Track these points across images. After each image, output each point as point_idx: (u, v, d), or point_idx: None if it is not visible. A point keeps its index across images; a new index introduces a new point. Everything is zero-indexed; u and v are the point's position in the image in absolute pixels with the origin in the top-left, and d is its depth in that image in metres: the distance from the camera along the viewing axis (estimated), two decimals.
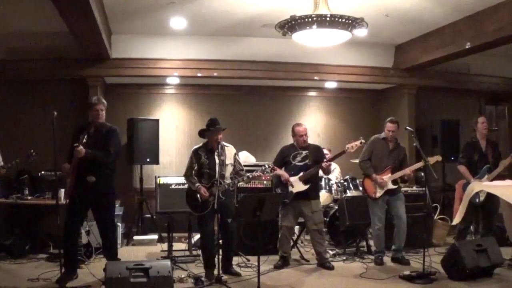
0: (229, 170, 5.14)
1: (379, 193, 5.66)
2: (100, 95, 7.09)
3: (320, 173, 5.90)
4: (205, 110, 8.13)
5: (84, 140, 4.61)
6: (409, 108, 8.28)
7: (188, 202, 5.14)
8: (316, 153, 5.68)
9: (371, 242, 6.14)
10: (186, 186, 5.32)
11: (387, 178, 5.64)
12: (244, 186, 6.22)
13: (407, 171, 5.62)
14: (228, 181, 5.06)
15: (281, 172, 5.60)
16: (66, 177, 4.93)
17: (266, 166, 5.14)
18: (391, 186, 5.65)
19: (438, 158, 5.56)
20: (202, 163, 5.11)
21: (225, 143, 5.16)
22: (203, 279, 4.84)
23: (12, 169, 5.80)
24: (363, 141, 5.54)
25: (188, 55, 7.36)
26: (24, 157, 5.52)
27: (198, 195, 5.01)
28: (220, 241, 5.01)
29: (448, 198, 7.71)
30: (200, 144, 5.26)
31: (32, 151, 5.53)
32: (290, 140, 6.00)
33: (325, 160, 5.62)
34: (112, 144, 4.83)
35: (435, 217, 6.95)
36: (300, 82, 8.30)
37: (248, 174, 5.20)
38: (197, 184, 5.04)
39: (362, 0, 5.64)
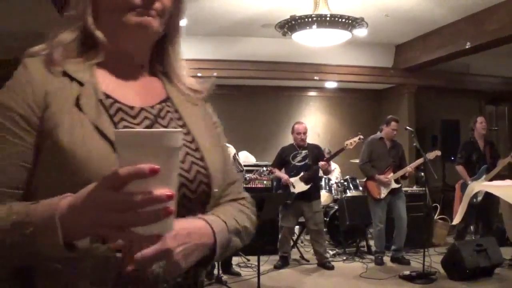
0: None
1: (383, 193, 5.66)
2: None
3: (320, 173, 5.91)
4: None
5: None
6: (409, 108, 8.29)
7: None
8: (315, 152, 5.69)
9: (371, 242, 6.14)
10: None
11: (390, 177, 5.66)
12: (244, 186, 6.22)
13: (408, 168, 5.65)
14: None
15: (281, 174, 5.59)
16: None
17: (264, 169, 5.14)
18: (394, 185, 5.66)
19: (437, 152, 5.59)
20: None
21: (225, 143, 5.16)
22: None
23: None
24: (361, 137, 5.56)
25: (188, 55, 7.25)
26: None
27: None
28: None
29: (448, 198, 7.72)
30: None
31: None
32: (290, 140, 6.00)
33: (325, 159, 5.64)
34: None
35: (435, 217, 6.96)
36: (300, 82, 8.31)
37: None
38: None
39: (362, 0, 5.65)
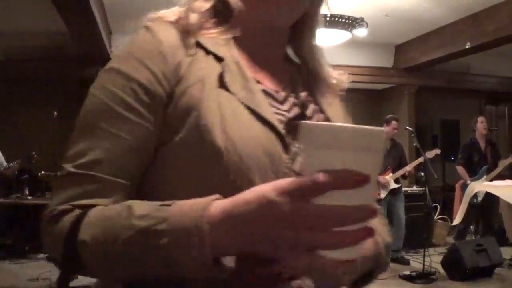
0: None
1: (383, 194, 5.66)
2: None
3: None
4: None
5: None
6: (409, 108, 8.29)
7: None
8: None
9: None
10: None
11: (389, 177, 5.66)
12: None
13: (408, 168, 5.67)
14: None
15: None
16: None
17: None
18: (394, 185, 5.66)
19: (437, 151, 5.62)
20: None
21: None
22: None
23: (12, 169, 5.82)
24: None
25: None
26: (24, 158, 5.53)
27: None
28: None
29: (448, 198, 7.72)
30: None
31: (33, 152, 5.54)
32: None
33: None
34: None
35: (435, 217, 6.96)
36: None
37: None
38: None
39: (362, 0, 5.65)
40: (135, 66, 0.70)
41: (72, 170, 0.67)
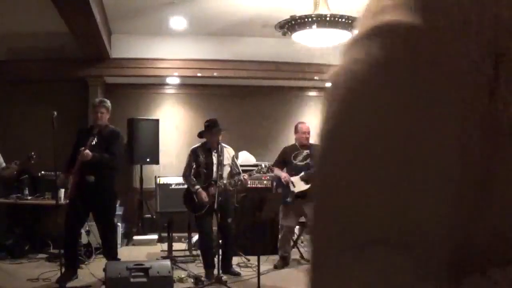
0: (227, 170, 5.15)
1: None
2: (100, 95, 7.11)
3: None
4: (205, 110, 8.14)
5: (94, 143, 4.64)
6: None
7: (185, 203, 5.15)
8: None
9: None
10: (186, 186, 5.32)
11: None
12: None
13: None
14: (225, 181, 5.06)
15: (280, 172, 5.61)
16: (62, 183, 4.98)
17: (263, 166, 5.17)
18: None
19: None
20: (200, 162, 5.12)
21: (224, 144, 5.17)
22: (203, 279, 4.85)
23: (10, 170, 5.82)
24: None
25: (188, 55, 7.36)
26: (24, 158, 5.52)
27: (195, 196, 5.02)
28: (220, 241, 5.02)
29: None
30: (199, 144, 5.27)
31: (32, 153, 5.54)
32: (290, 141, 6.00)
33: None
34: (117, 147, 4.90)
35: None
36: (300, 82, 8.31)
37: (240, 176, 5.15)
38: (196, 187, 5.03)
39: (362, 0, 5.64)
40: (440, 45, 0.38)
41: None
